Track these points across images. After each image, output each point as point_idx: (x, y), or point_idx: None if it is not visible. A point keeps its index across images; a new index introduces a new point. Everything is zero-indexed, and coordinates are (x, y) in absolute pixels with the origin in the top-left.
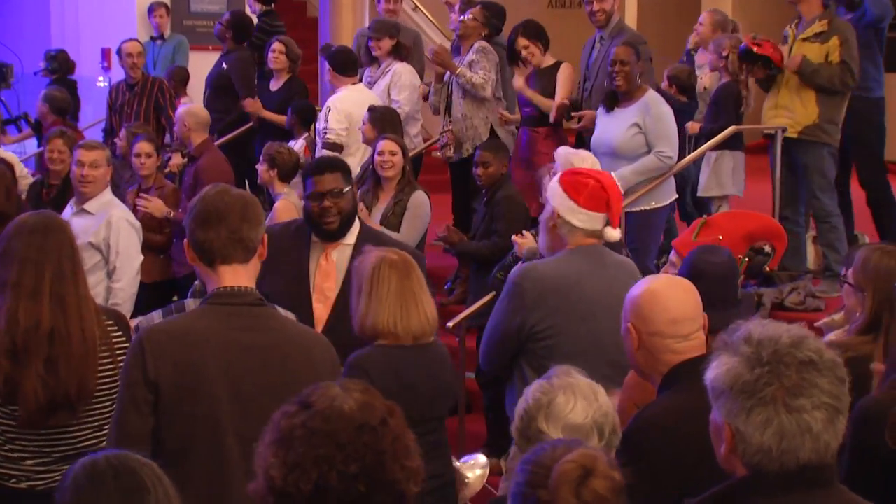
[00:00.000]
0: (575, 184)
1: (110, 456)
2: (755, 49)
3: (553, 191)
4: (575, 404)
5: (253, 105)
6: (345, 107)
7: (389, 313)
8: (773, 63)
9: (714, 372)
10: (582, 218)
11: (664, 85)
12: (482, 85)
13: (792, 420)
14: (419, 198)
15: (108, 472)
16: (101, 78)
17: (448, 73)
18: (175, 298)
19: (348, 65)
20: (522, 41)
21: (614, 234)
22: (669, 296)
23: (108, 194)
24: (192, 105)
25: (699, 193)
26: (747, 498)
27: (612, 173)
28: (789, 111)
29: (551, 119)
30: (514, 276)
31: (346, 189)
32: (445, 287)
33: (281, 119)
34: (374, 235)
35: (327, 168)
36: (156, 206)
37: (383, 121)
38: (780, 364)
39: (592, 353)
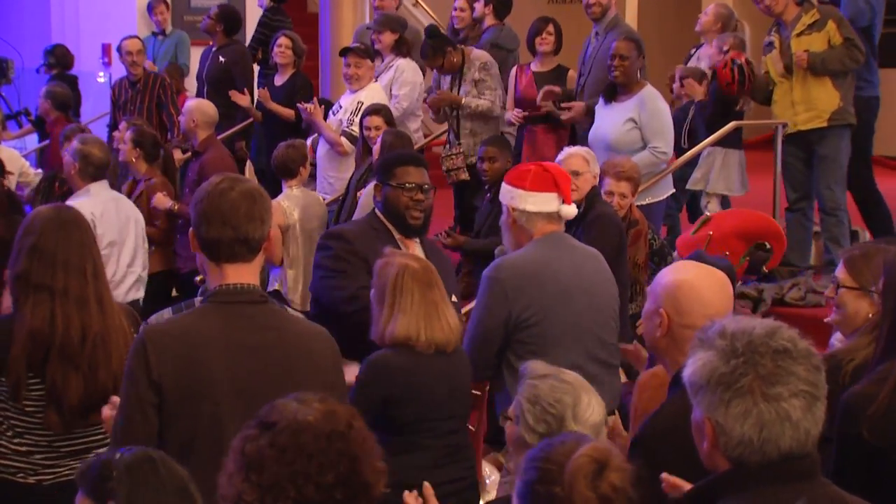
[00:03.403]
0: (518, 175)
1: (135, 452)
2: (719, 66)
3: (503, 191)
4: (591, 402)
5: (245, 100)
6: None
7: (413, 325)
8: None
9: (691, 368)
10: (534, 201)
11: (675, 85)
12: (490, 108)
13: (770, 409)
14: (368, 190)
15: (148, 464)
16: (101, 73)
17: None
18: (174, 292)
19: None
20: (550, 27)
21: (570, 210)
22: (708, 288)
23: (91, 189)
24: (203, 101)
25: (687, 185)
26: (731, 491)
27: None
28: (809, 104)
29: (538, 101)
30: (489, 272)
31: (431, 188)
32: None
33: (287, 112)
34: (430, 241)
35: (419, 162)
36: (159, 199)
37: (391, 117)
38: (755, 354)
39: (575, 333)
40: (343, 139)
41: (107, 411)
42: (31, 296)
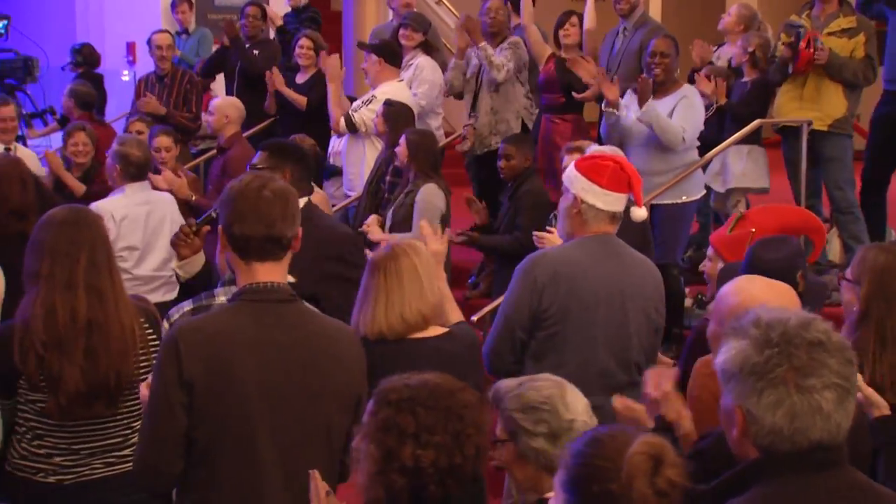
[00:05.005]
0: (595, 167)
1: None
2: (802, 46)
3: (572, 177)
4: (573, 389)
5: (278, 78)
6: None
7: (358, 313)
8: (794, 63)
9: (724, 356)
10: (607, 200)
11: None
12: (499, 66)
13: (803, 400)
14: (427, 191)
15: None
16: (125, 72)
17: (471, 52)
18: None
19: (396, 56)
20: (573, 19)
21: (641, 213)
22: (771, 302)
23: (126, 189)
24: (234, 98)
25: (709, 184)
26: (760, 479)
27: (645, 107)
28: (816, 104)
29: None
30: (524, 264)
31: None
32: (470, 281)
33: (300, 99)
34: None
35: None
36: (178, 183)
37: (396, 116)
38: (790, 345)
39: (589, 344)
40: (342, 119)
41: (143, 390)
42: (28, 287)
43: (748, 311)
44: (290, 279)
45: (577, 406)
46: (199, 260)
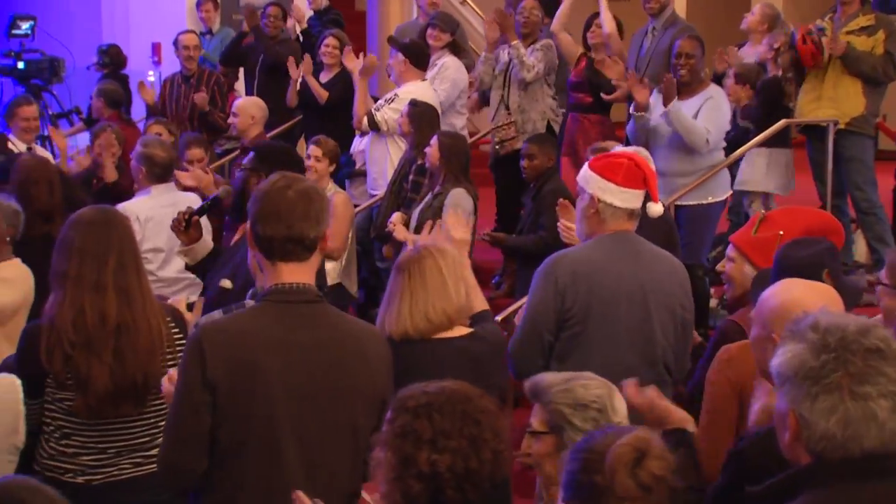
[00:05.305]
0: (609, 166)
1: (6, 480)
2: (798, 44)
3: (587, 177)
4: (618, 392)
5: (298, 72)
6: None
7: (384, 313)
8: (801, 63)
9: (779, 359)
10: (624, 198)
11: (729, 82)
12: (529, 66)
13: (857, 407)
14: (456, 195)
15: (22, 493)
16: (150, 72)
17: (500, 49)
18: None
19: (422, 58)
20: (599, 20)
21: (657, 208)
22: (817, 305)
23: (152, 191)
24: (257, 98)
25: (734, 187)
26: (810, 485)
27: (672, 106)
28: (834, 102)
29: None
30: (543, 266)
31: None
32: (493, 281)
33: (321, 92)
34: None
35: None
36: (206, 181)
37: (420, 116)
38: (846, 351)
39: (616, 340)
40: (365, 118)
41: (167, 385)
42: (55, 286)
43: (805, 314)
44: (228, 285)
45: (622, 409)
46: (202, 248)
